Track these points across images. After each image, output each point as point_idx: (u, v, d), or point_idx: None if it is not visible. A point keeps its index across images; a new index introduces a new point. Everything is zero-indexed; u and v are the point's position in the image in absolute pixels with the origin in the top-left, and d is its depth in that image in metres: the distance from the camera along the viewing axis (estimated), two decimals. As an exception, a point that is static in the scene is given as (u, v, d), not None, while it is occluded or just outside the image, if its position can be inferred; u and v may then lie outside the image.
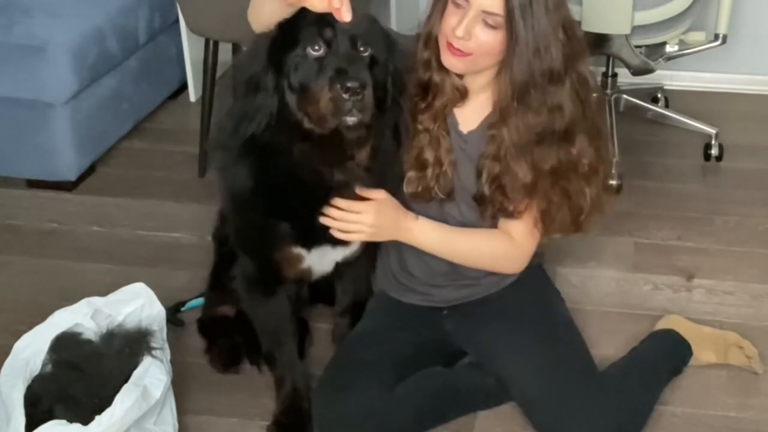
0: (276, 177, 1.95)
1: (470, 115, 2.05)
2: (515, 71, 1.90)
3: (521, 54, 1.87)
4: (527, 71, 1.89)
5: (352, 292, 2.36)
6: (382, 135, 1.93)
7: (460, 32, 1.88)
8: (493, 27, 1.87)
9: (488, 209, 2.04)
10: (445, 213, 2.11)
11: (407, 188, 2.06)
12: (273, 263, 2.09)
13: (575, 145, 1.98)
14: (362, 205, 1.98)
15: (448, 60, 1.94)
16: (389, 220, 2.03)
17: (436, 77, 1.99)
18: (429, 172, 2.04)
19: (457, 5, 1.89)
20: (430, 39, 1.98)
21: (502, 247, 2.11)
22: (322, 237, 2.03)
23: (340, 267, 2.22)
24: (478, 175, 2.03)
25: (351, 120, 1.79)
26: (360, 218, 1.99)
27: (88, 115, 3.15)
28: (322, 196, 1.97)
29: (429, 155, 2.03)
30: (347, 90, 1.75)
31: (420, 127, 2.02)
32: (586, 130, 2.00)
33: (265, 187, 1.97)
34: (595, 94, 2.04)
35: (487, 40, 1.89)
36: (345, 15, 1.70)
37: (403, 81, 1.92)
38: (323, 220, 1.99)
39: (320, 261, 2.13)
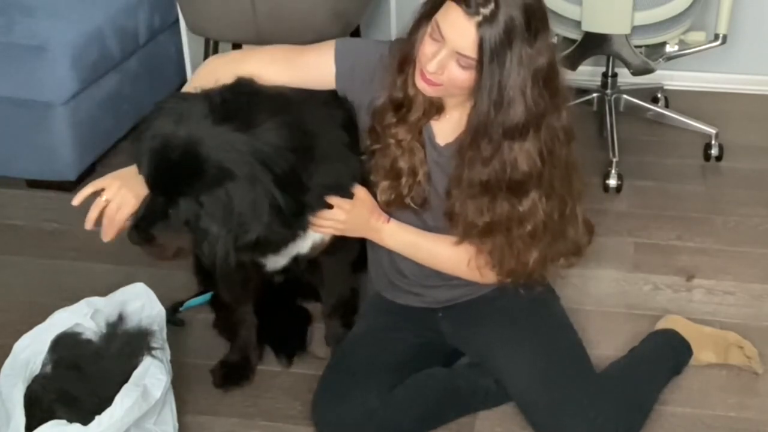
0: None
1: (447, 128, 2.03)
2: (473, 116, 1.87)
3: (482, 102, 1.83)
4: (484, 121, 1.85)
5: (336, 292, 2.37)
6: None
7: (431, 68, 1.85)
8: (465, 67, 1.84)
9: (457, 226, 2.02)
10: (421, 219, 2.11)
11: (380, 197, 2.06)
12: None
13: (523, 203, 1.93)
14: (338, 201, 2.01)
15: (420, 84, 1.91)
16: (361, 220, 2.05)
17: (411, 91, 1.96)
18: (403, 181, 2.03)
19: (434, 39, 1.85)
20: (405, 61, 1.94)
21: (467, 259, 2.09)
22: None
23: (320, 265, 2.26)
24: (447, 194, 2.02)
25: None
26: (333, 214, 2.01)
27: (88, 115, 3.15)
28: None
29: (403, 164, 2.02)
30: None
31: (392, 140, 2.01)
32: (546, 191, 1.94)
33: None
34: (575, 159, 1.98)
35: (459, 77, 1.85)
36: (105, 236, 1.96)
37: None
38: None
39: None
